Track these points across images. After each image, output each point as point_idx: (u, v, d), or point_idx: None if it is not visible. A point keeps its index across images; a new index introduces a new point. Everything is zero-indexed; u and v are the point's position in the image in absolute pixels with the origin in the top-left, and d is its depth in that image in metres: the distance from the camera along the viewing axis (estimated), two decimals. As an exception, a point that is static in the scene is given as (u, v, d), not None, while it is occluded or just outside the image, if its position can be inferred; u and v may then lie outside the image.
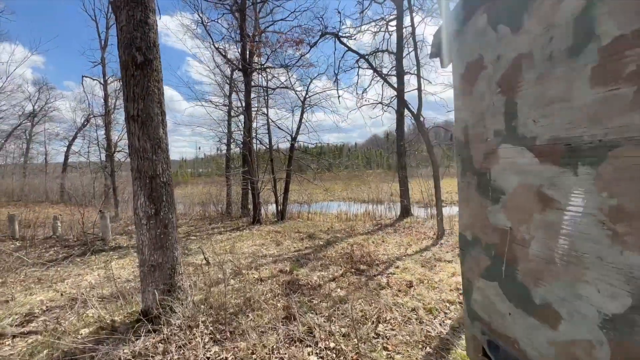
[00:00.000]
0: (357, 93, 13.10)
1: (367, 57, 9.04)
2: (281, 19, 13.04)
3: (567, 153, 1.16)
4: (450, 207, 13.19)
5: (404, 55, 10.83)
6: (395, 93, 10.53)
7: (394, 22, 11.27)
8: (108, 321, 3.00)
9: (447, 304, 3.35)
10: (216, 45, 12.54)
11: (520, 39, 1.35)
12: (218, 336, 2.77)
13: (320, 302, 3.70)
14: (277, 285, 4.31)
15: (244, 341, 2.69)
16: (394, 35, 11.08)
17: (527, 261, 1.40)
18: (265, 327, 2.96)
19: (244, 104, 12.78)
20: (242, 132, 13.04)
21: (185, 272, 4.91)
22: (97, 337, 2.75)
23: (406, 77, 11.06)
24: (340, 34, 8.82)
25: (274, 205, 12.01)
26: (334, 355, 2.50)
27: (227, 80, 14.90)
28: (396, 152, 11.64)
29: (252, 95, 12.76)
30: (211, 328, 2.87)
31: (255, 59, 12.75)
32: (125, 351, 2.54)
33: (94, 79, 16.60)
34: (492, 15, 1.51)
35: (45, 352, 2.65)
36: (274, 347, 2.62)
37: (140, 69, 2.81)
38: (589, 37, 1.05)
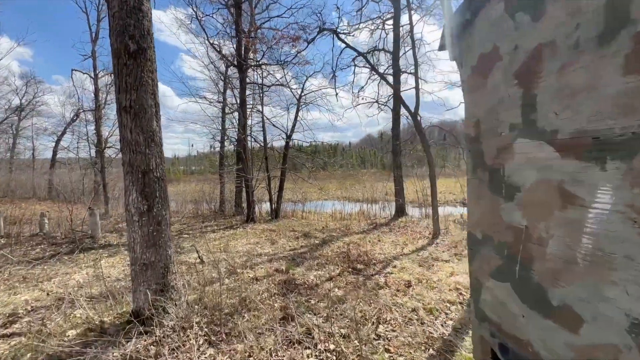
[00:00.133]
0: (353, 92, 13.00)
1: (366, 55, 8.94)
2: (277, 16, 12.91)
3: (594, 147, 1.10)
4: (443, 206, 13.24)
5: (401, 54, 10.81)
6: (392, 92, 10.49)
7: (391, 21, 11.23)
8: (97, 322, 2.86)
9: (448, 304, 3.30)
10: (211, 41, 12.33)
11: (542, 27, 1.28)
12: (213, 338, 2.67)
13: (318, 302, 3.61)
14: (273, 285, 4.21)
15: (240, 343, 2.59)
16: (391, 34, 11.07)
17: (544, 261, 1.34)
18: (262, 328, 2.87)
19: (238, 101, 12.61)
20: (236, 129, 12.87)
21: (179, 271, 4.78)
22: (84, 339, 2.62)
23: (403, 77, 11.04)
24: (338, 30, 8.72)
25: (268, 203, 11.89)
26: (335, 358, 2.42)
27: (222, 77, 14.69)
28: (392, 152, 11.62)
29: (247, 92, 12.59)
30: (206, 329, 2.77)
31: (251, 55, 12.58)
32: (115, 354, 2.42)
33: (84, 73, 16.18)
34: (510, 4, 1.44)
35: (28, 355, 2.51)
36: (272, 349, 2.53)
37: (133, 58, 2.67)
38: (622, 23, 0.98)
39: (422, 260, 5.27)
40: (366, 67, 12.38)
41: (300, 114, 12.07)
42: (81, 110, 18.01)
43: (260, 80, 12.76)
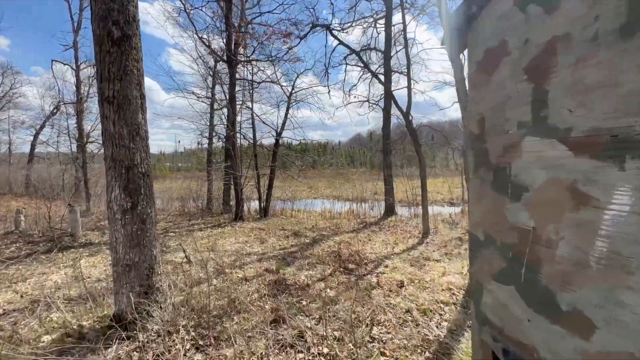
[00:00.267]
0: (344, 90, 12.94)
1: (359, 53, 8.87)
2: (268, 11, 12.70)
3: (612, 145, 1.04)
4: (432, 206, 13.36)
5: (393, 53, 10.80)
6: (383, 91, 10.48)
7: (383, 20, 11.21)
8: (75, 327, 2.68)
9: (442, 305, 3.27)
10: (199, 35, 12.02)
11: (556, 19, 1.22)
12: (201, 342, 2.54)
13: (310, 303, 3.53)
14: (263, 285, 4.10)
15: (229, 348, 2.48)
16: (383, 34, 11.05)
17: (553, 263, 1.29)
18: (252, 332, 2.76)
19: (227, 97, 12.37)
20: (225, 126, 12.62)
21: (164, 271, 4.59)
22: (61, 345, 2.44)
23: (394, 77, 11.05)
24: (331, 27, 8.61)
25: (257, 201, 11.71)
26: (329, 362, 2.34)
27: (210, 72, 14.38)
28: (382, 151, 11.63)
29: (237, 88, 12.36)
30: (193, 333, 2.63)
31: (241, 50, 12.34)
32: (94, 361, 2.27)
33: (65, 64, 15.51)
34: (520, -5, 1.38)
35: (-2, 363, 2.32)
36: (263, 353, 2.43)
37: (117, 45, 2.51)
38: (647, 13, 0.93)
39: (413, 260, 5.25)
40: (358, 65, 12.37)
41: (290, 111, 11.95)
42: (62, 103, 17.26)
43: (250, 77, 12.54)
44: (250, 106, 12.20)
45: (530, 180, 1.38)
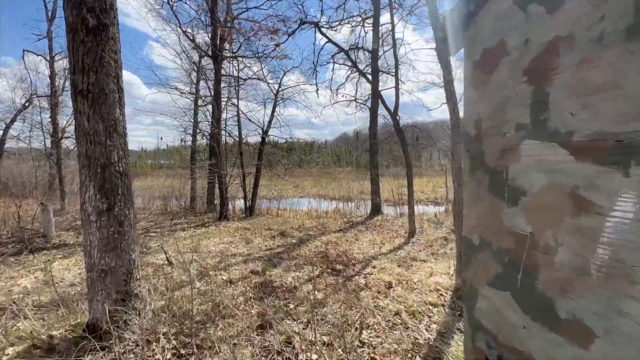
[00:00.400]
0: (331, 89, 12.89)
1: (347, 51, 8.81)
2: (255, 7, 12.42)
3: (616, 150, 1.01)
4: (417, 205, 13.51)
5: (381, 53, 10.83)
6: (371, 91, 10.49)
7: (371, 20, 11.20)
8: (44, 337, 2.49)
9: (430, 307, 3.26)
10: (183, 29, 11.65)
11: (559, 19, 1.18)
12: (182, 351, 2.41)
13: (298, 306, 3.44)
14: (249, 288, 3.98)
15: (214, 356, 2.36)
16: (370, 33, 11.03)
17: (551, 270, 1.26)
18: (238, 338, 2.64)
19: (212, 93, 12.06)
20: (209, 123, 12.31)
21: (144, 274, 4.39)
22: (27, 357, 2.25)
23: (382, 77, 11.07)
24: (320, 24, 8.51)
25: (242, 200, 11.49)
26: (318, 369, 2.27)
27: (195, 67, 13.99)
28: (369, 150, 11.65)
29: (222, 84, 12.06)
30: (174, 342, 2.50)
31: (227, 46, 12.05)
32: (64, 376, 2.10)
33: (38, 55, 14.67)
34: (521, -6, 1.34)
35: (-45, 380, 2.12)
36: (249, 361, 2.32)
37: (92, 34, 2.33)
38: (657, 14, 0.90)
39: (400, 260, 5.26)
40: (345, 64, 12.33)
41: (277, 109, 11.76)
42: (35, 96, 16.32)
43: (236, 73, 12.26)
44: (236, 103, 11.95)
45: (529, 185, 1.35)
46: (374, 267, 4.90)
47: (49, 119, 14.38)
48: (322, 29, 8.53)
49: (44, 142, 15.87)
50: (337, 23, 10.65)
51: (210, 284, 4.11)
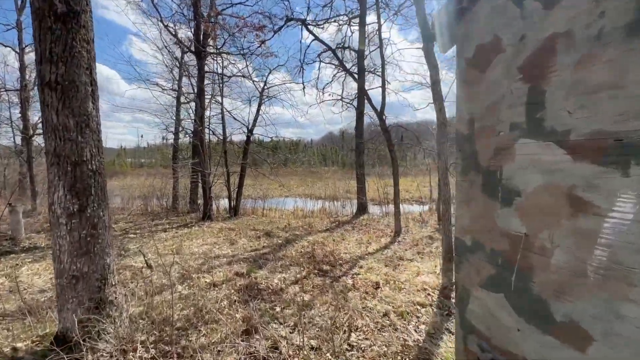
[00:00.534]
0: (317, 88, 12.81)
1: (335, 50, 8.75)
2: (240, 2, 12.16)
3: (616, 150, 0.99)
4: (402, 204, 13.66)
5: (367, 53, 10.85)
6: (357, 90, 10.49)
7: (357, 19, 11.19)
8: (7, 350, 2.29)
9: (418, 307, 3.25)
10: (165, 23, 11.27)
11: (556, 15, 1.15)
12: (162, 361, 2.28)
13: (284, 308, 3.36)
14: (233, 291, 3.86)
15: (196, 365, 2.24)
16: (357, 33, 11.04)
17: (547, 272, 1.23)
18: (221, 345, 2.53)
19: (196, 90, 11.75)
20: (192, 121, 11.98)
21: (121, 279, 4.18)
22: (-12, 374, 2.06)
23: (368, 77, 11.09)
24: (307, 21, 8.40)
25: (227, 200, 11.25)
26: (305, 375, 2.19)
27: (177, 63, 13.58)
28: (355, 150, 11.67)
29: (206, 81, 11.77)
30: (153, 350, 2.36)
31: (210, 42, 11.75)
32: (30, 392, 1.93)
33: (6, 46, 13.83)
34: (517, -11, 1.30)
35: None
36: (234, 370, 2.22)
37: (61, 22, 2.15)
38: (660, 10, 0.87)
39: (387, 260, 5.25)
40: (332, 63, 12.30)
41: (262, 107, 11.58)
42: (3, 90, 15.41)
43: (220, 70, 11.98)
44: (220, 101, 11.68)
45: (523, 185, 1.32)
46: (361, 267, 4.87)
47: (19, 115, 13.60)
48: (309, 27, 8.43)
49: (14, 139, 15.01)
50: (323, 21, 10.58)
51: (193, 288, 3.96)
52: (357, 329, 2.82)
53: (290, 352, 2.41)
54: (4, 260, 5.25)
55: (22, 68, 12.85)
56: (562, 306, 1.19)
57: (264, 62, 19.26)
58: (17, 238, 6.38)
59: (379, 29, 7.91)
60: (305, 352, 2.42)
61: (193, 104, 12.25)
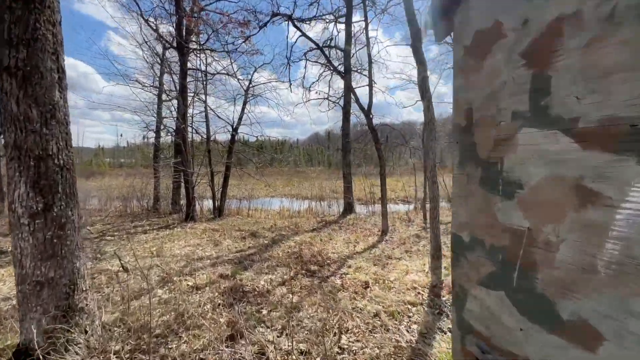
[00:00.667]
0: (304, 86, 12.69)
1: (322, 48, 8.65)
2: (224, -2, 11.83)
3: (631, 136, 0.93)
4: (387, 204, 13.71)
5: (353, 52, 10.81)
6: (343, 90, 10.44)
7: (343, 18, 11.14)
8: (-40, 366, 2.05)
9: (409, 306, 3.18)
10: (145, 17, 10.83)
11: (563, -5, 1.09)
12: (139, 372, 2.10)
13: (271, 311, 3.22)
14: (217, 294, 3.68)
15: (176, 375, 2.08)
16: (343, 33, 10.99)
17: (552, 269, 1.17)
18: (204, 352, 2.37)
19: (178, 87, 11.36)
20: (175, 119, 11.58)
21: (96, 284, 3.92)
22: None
23: (354, 77, 11.06)
24: (293, 17, 8.26)
25: (211, 200, 10.94)
26: (295, 382, 2.07)
27: (158, 59, 13.10)
28: (341, 149, 11.61)
29: (189, 78, 11.40)
30: (129, 361, 2.17)
31: (193, 38, 11.40)
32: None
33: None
34: (519, -30, 1.24)
35: None
36: (218, 379, 2.07)
37: (22, 0, 1.93)
38: (680, -15, 0.81)
39: (375, 259, 5.19)
40: (318, 62, 12.20)
41: (247, 106, 11.32)
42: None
43: (203, 67, 11.64)
44: (204, 99, 11.34)
45: (526, 177, 1.26)
46: (349, 266, 4.79)
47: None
48: (296, 22, 8.29)
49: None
50: (310, 19, 10.46)
51: (174, 291, 3.75)
52: (347, 330, 2.72)
53: (279, 358, 2.28)
54: (-36, 266, 4.83)
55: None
56: (569, 304, 1.12)
57: (249, 59, 18.93)
58: (-20, 242, 5.93)
59: (366, 27, 7.88)
60: (294, 357, 2.30)
61: (175, 102, 11.84)
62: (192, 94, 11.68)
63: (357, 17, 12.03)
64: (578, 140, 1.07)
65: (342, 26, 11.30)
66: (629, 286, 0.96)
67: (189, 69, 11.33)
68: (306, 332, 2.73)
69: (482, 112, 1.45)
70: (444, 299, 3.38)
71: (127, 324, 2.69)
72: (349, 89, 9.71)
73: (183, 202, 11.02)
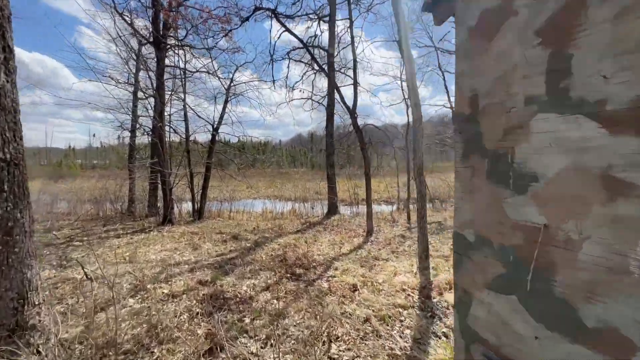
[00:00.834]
0: (287, 86, 12.46)
1: (306, 44, 8.46)
2: (204, -6, 11.45)
3: (671, 117, 0.81)
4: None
5: (337, 52, 10.72)
6: (327, 90, 10.32)
7: (327, 18, 11.04)
8: None
9: (400, 310, 3.05)
10: (119, 10, 10.27)
11: (587, -38, 0.97)
12: (101, 397, 1.83)
13: (254, 319, 3.00)
14: (195, 302, 3.41)
15: (145, 399, 1.83)
16: (326, 33, 10.88)
17: (573, 269, 1.04)
18: (179, 369, 2.13)
19: (155, 84, 10.84)
20: (151, 117, 11.04)
21: (58, 294, 3.56)
22: None
23: (338, 77, 10.96)
24: (277, 11, 8.03)
25: (190, 202, 10.49)
26: (281, 400, 1.87)
27: (134, 54, 12.48)
28: (325, 150, 11.48)
29: (166, 75, 10.91)
30: (90, 384, 1.90)
31: (171, 33, 10.93)
32: None
33: None
34: (533, -61, 1.12)
35: None
36: (194, 400, 1.84)
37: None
38: None
39: (362, 260, 5.06)
40: (301, 61, 12.02)
41: (228, 106, 10.97)
42: None
43: (182, 64, 11.18)
44: (183, 97, 10.89)
45: (542, 168, 1.13)
46: (336, 269, 4.62)
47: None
48: (279, 17, 8.07)
49: None
50: (293, 17, 10.28)
51: (147, 300, 3.45)
52: (337, 338, 2.55)
53: (263, 372, 2.08)
54: None
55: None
56: (594, 309, 1.00)
57: (231, 58, 18.47)
58: None
59: (351, 26, 7.80)
60: (280, 371, 2.10)
61: (152, 100, 11.30)
62: (170, 92, 11.19)
63: (342, 15, 11.97)
64: (605, 125, 0.95)
65: (325, 26, 11.21)
66: (669, 289, 0.84)
67: (167, 65, 10.86)
68: (293, 341, 2.53)
69: (490, 99, 1.32)
70: (434, 300, 3.27)
71: (91, 339, 2.39)
72: (333, 88, 9.60)
73: (160, 204, 10.51)
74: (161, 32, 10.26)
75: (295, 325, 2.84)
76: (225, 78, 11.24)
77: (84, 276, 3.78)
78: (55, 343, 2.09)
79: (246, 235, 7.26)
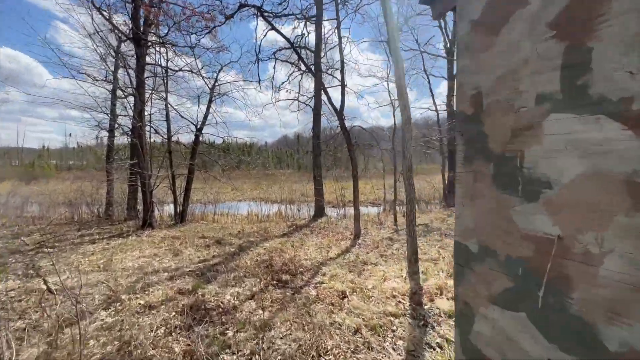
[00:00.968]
0: (273, 87, 12.26)
1: (293, 43, 8.30)
2: (188, -9, 11.13)
3: None
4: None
5: (324, 53, 10.63)
6: (314, 89, 10.20)
7: (314, 19, 10.93)
8: None
9: (391, 318, 2.94)
10: (97, 5, 9.80)
11: (610, -55, 0.87)
12: None
13: (238, 331, 2.81)
14: (174, 314, 3.19)
15: None
16: (313, 34, 10.76)
17: (592, 286, 0.94)
18: (153, 394, 1.92)
19: (134, 82, 10.41)
20: (130, 117, 10.59)
21: (21, 307, 3.26)
22: None
23: (325, 78, 10.86)
24: (263, 9, 7.83)
25: (172, 205, 10.11)
26: None
27: (112, 51, 11.96)
28: (312, 151, 11.34)
29: (147, 73, 10.51)
30: (48, 417, 1.67)
31: (152, 30, 10.54)
32: None
33: None
34: None
35: None
36: None
37: None
38: None
39: (351, 265, 4.94)
40: (288, 61, 11.86)
41: (213, 106, 10.66)
42: None
43: (164, 62, 10.80)
44: (164, 96, 10.50)
45: (556, 173, 1.03)
46: (324, 274, 4.48)
47: None
48: (265, 15, 7.88)
49: None
50: (279, 16, 10.11)
51: (121, 313, 3.19)
52: (326, 351, 2.40)
53: (247, 394, 1.91)
54: None
55: None
56: (617, 331, 0.90)
57: (215, 57, 18.06)
58: None
59: (338, 26, 7.71)
60: (265, 392, 1.94)
61: (131, 99, 10.84)
62: (150, 91, 10.77)
63: (329, 16, 11.89)
64: (632, 125, 0.85)
65: (312, 27, 11.09)
66: None
67: (148, 63, 10.46)
68: (279, 356, 2.37)
69: (495, 97, 1.21)
70: (426, 307, 3.18)
71: (52, 362, 2.15)
72: (320, 90, 9.48)
73: (140, 207, 10.08)
74: (141, 29, 9.88)
75: (281, 338, 2.67)
76: (209, 77, 10.93)
77: (46, 288, 3.46)
78: (9, 369, 1.84)
79: (230, 240, 7.01)
